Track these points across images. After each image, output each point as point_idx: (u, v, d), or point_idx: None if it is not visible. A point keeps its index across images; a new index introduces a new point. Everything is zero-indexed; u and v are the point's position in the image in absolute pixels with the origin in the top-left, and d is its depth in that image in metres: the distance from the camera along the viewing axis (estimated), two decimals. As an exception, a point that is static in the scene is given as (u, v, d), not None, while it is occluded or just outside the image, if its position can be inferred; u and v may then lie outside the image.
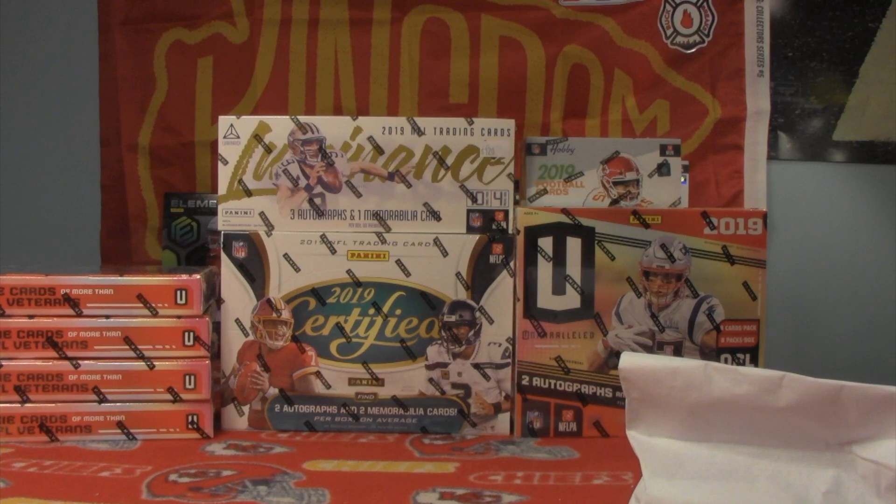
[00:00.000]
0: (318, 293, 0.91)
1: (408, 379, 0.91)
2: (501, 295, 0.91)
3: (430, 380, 0.92)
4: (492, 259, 0.91)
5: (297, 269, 0.91)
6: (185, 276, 0.88)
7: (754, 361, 0.91)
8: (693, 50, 1.39)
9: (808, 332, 1.44)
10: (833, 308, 1.44)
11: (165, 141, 1.40)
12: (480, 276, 0.91)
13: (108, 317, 0.87)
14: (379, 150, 0.92)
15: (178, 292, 0.87)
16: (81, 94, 1.41)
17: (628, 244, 0.91)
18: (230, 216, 0.92)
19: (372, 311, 0.91)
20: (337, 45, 1.40)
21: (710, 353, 0.91)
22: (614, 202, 0.96)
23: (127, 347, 0.87)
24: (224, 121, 0.92)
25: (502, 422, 0.92)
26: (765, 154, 1.40)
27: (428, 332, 0.91)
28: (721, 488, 0.61)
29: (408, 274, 0.91)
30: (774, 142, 1.42)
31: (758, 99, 1.40)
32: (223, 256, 0.91)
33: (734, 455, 0.63)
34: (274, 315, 0.91)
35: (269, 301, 0.91)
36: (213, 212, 1.18)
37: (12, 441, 0.85)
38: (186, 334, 0.87)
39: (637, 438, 0.65)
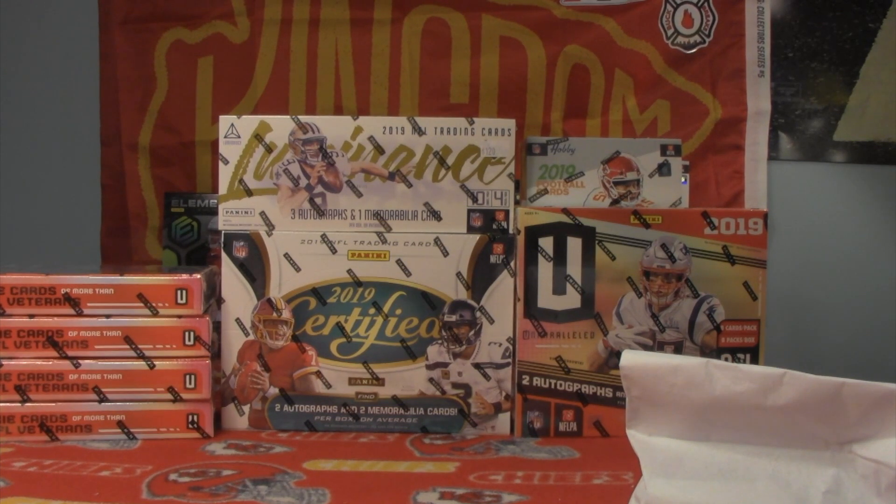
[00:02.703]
0: (319, 293, 0.91)
1: (408, 379, 0.91)
2: (502, 295, 0.91)
3: (431, 379, 0.92)
4: (492, 259, 0.91)
5: (298, 269, 0.91)
6: (185, 276, 0.88)
7: (754, 361, 0.91)
8: (694, 50, 1.39)
9: (808, 332, 1.44)
10: (833, 308, 1.44)
11: (166, 140, 1.40)
12: (481, 275, 0.91)
13: (108, 316, 0.87)
14: (379, 149, 0.92)
15: (179, 292, 0.87)
16: (81, 94, 1.41)
17: (629, 244, 0.91)
18: (231, 216, 0.92)
19: (372, 310, 0.91)
20: (337, 44, 1.40)
21: (711, 353, 0.91)
22: (615, 202, 0.96)
23: (127, 347, 0.87)
24: (225, 120, 0.92)
25: (502, 421, 0.92)
26: (765, 154, 1.40)
27: (428, 332, 0.91)
28: (721, 488, 0.61)
29: (408, 274, 0.91)
30: (775, 142, 1.42)
31: (758, 99, 1.40)
32: (224, 256, 0.91)
33: (734, 454, 0.63)
34: (274, 315, 0.91)
35: (269, 301, 0.91)
36: (213, 211, 1.18)
37: (12, 441, 0.85)
38: (187, 334, 0.87)
39: (637, 438, 0.65)
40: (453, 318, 0.91)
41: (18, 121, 1.45)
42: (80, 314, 0.86)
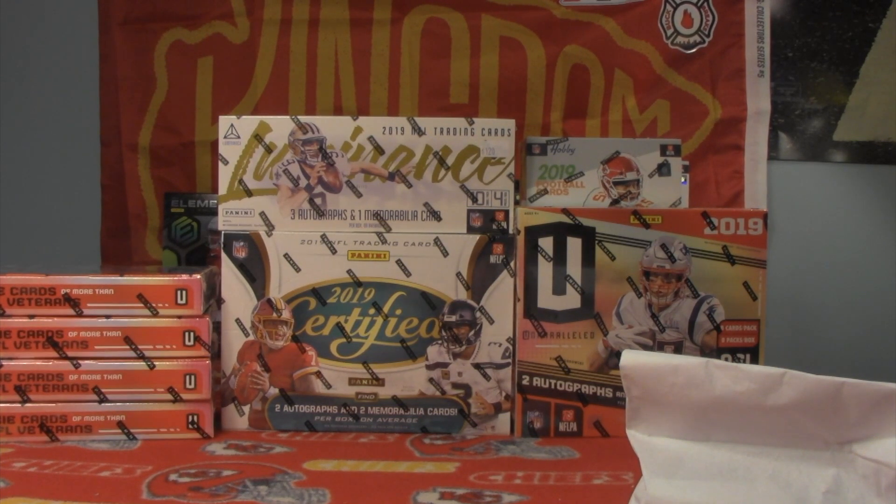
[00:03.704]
0: (319, 293, 0.91)
1: (408, 379, 0.91)
2: (502, 295, 0.91)
3: (431, 380, 0.92)
4: (492, 259, 0.91)
5: (298, 269, 0.91)
6: (185, 276, 0.88)
7: (755, 361, 0.91)
8: (693, 50, 1.39)
9: (808, 332, 1.44)
10: (833, 308, 1.44)
11: (165, 141, 1.40)
12: (481, 276, 0.91)
13: (108, 317, 0.87)
14: (379, 150, 0.92)
15: (179, 292, 0.87)
16: (81, 94, 1.41)
17: (629, 244, 0.91)
18: (230, 216, 0.92)
19: (372, 310, 0.91)
20: (337, 45, 1.40)
21: (711, 353, 0.91)
22: (615, 202, 0.96)
23: (127, 347, 0.87)
24: (224, 121, 0.92)
25: (502, 422, 0.92)
26: (765, 154, 1.40)
27: (428, 332, 0.91)
28: (721, 488, 0.61)
29: (408, 274, 0.91)
30: (775, 142, 1.42)
31: (758, 99, 1.40)
32: (223, 256, 0.91)
33: (734, 454, 0.63)
34: (274, 315, 0.91)
35: (269, 301, 0.91)
36: (213, 212, 1.18)
37: (12, 441, 0.85)
38: (187, 334, 0.87)
39: (637, 438, 0.65)
40: (453, 318, 0.91)
41: (18, 121, 1.45)
42: (80, 314, 0.86)
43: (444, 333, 0.91)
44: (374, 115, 1.39)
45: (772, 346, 0.93)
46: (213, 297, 0.93)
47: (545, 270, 0.91)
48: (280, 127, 0.92)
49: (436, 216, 0.92)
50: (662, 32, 1.39)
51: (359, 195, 0.92)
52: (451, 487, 0.73)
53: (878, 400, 0.60)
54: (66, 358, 0.86)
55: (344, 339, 0.91)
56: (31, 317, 0.86)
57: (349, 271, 0.91)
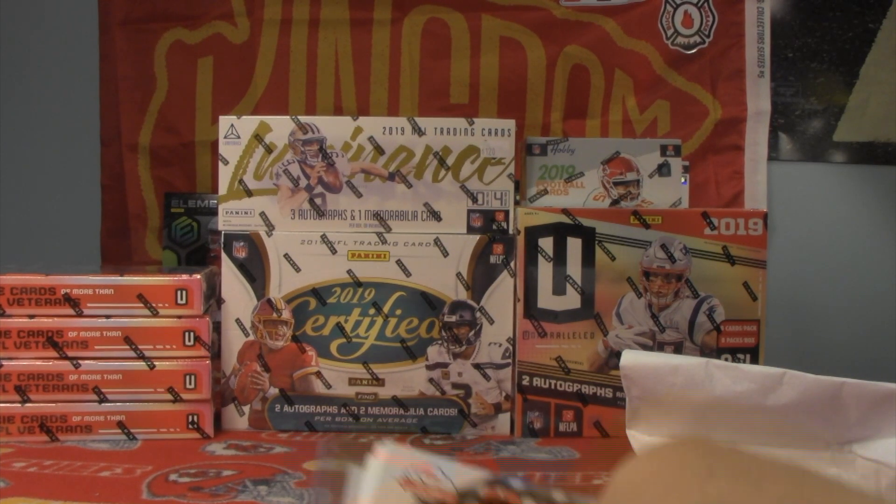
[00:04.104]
0: (319, 293, 0.91)
1: (408, 379, 0.91)
2: (502, 295, 0.91)
3: (431, 380, 0.92)
4: (492, 259, 0.91)
5: (298, 269, 0.91)
6: (185, 276, 0.88)
7: (755, 362, 0.91)
8: (693, 50, 1.39)
9: (809, 332, 1.44)
10: (833, 308, 1.44)
11: (165, 141, 1.40)
12: (481, 276, 0.91)
13: (108, 317, 0.87)
14: (379, 150, 0.92)
15: (179, 292, 0.87)
16: (81, 94, 1.41)
17: (629, 244, 0.91)
18: (230, 216, 0.92)
19: (372, 311, 0.91)
20: (337, 45, 1.40)
21: (711, 353, 0.91)
22: (615, 202, 0.96)
23: (127, 347, 0.87)
24: (224, 121, 0.92)
25: (502, 422, 0.92)
26: (765, 155, 1.41)
27: (428, 333, 0.91)
28: (721, 488, 0.61)
29: (408, 274, 0.91)
30: (775, 142, 1.42)
31: (758, 99, 1.40)
32: (223, 256, 0.91)
33: (735, 455, 0.63)
34: (274, 315, 0.91)
35: (269, 301, 0.91)
36: (213, 212, 1.18)
37: (12, 441, 0.85)
38: (187, 334, 0.87)
39: (637, 438, 0.65)
40: (453, 318, 0.91)
41: (18, 121, 1.45)
42: (80, 314, 0.86)
43: (444, 333, 0.91)
44: (374, 115, 1.39)
45: (772, 346, 0.93)
46: (213, 297, 0.93)
47: (545, 270, 0.91)
48: (280, 127, 0.92)
49: (436, 216, 0.92)
50: (662, 33, 1.39)
51: (359, 195, 0.92)
52: (451, 487, 0.73)
53: (878, 400, 0.60)
54: (66, 358, 0.86)
55: (344, 339, 0.91)
56: (31, 317, 0.86)
57: (349, 271, 0.91)
